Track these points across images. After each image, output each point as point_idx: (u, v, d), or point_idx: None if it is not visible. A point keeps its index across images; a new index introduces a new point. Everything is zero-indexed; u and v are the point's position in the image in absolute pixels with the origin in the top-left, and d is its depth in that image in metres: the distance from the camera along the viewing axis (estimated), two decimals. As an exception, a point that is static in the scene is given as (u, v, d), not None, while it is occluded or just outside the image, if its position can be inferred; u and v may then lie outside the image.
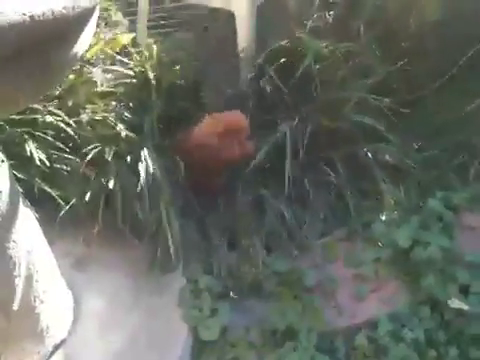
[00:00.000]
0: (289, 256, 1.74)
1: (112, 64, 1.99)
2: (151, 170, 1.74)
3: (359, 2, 2.23)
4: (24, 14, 0.79)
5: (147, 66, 2.02)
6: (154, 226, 1.71)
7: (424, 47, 2.08)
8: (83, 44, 0.96)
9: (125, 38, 1.94)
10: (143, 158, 1.76)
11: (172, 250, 1.66)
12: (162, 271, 1.68)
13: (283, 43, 2.17)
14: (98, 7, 1.00)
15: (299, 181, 1.87)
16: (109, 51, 1.93)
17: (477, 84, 2.02)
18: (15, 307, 1.22)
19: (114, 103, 1.89)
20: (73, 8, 0.86)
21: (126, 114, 1.87)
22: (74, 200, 1.66)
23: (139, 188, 1.69)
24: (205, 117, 1.83)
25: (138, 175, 1.73)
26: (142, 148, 1.78)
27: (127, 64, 1.95)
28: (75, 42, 0.92)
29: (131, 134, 1.81)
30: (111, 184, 1.69)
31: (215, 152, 1.78)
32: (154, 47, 2.06)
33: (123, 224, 1.71)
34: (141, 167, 1.74)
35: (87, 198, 1.67)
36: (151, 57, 2.04)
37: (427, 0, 2.18)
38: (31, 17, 0.79)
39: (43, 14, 0.81)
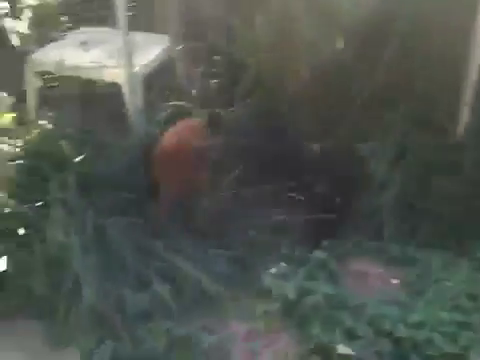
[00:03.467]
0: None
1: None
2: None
3: (239, 72, 2.39)
4: None
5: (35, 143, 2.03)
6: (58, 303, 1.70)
7: (299, 110, 2.27)
8: None
9: (7, 117, 1.94)
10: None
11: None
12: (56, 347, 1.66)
13: (169, 111, 2.28)
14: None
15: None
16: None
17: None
18: None
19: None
20: None
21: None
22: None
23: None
24: None
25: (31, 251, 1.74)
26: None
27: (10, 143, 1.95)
28: None
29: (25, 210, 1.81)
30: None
31: None
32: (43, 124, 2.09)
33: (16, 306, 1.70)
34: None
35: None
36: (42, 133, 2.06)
37: (301, 65, 2.38)
38: None
39: None
